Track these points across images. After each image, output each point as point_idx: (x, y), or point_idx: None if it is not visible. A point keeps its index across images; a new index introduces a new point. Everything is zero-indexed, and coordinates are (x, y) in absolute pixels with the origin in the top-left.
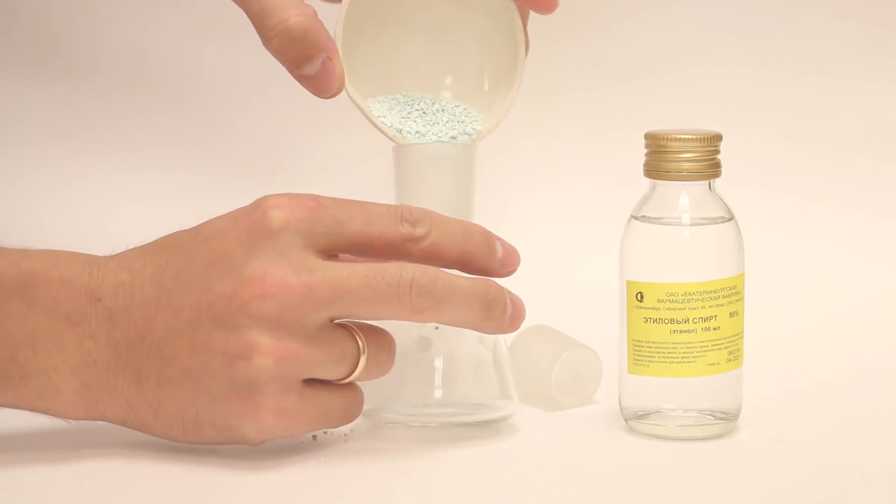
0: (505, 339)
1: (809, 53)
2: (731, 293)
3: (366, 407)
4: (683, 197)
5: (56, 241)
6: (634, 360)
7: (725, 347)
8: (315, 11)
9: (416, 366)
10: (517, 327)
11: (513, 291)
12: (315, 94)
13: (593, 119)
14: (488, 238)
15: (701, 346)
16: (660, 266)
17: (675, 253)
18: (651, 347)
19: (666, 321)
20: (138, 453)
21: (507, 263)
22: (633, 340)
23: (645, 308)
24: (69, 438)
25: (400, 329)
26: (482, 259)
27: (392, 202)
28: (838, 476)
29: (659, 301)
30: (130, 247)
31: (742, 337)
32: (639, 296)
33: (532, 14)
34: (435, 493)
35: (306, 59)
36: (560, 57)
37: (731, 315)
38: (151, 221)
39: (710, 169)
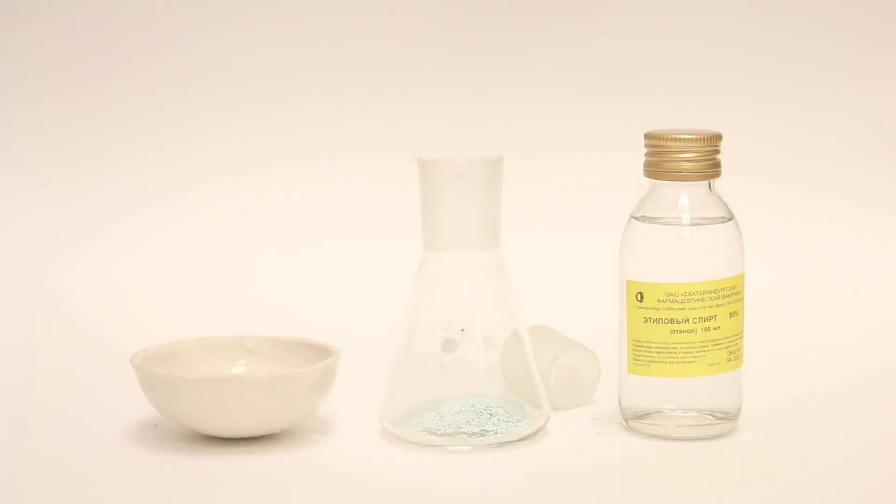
0: (531, 344)
1: (810, 54)
2: (731, 293)
3: (395, 415)
4: (683, 197)
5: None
6: (634, 359)
7: (725, 347)
8: None
9: (441, 367)
10: None
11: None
12: None
13: (594, 119)
14: None
15: (701, 346)
16: (660, 266)
17: (675, 253)
18: (651, 347)
19: (666, 321)
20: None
21: None
22: (634, 340)
23: (645, 308)
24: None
25: (425, 331)
26: None
27: (417, 215)
28: (838, 476)
29: (659, 301)
30: None
31: (742, 337)
32: (639, 296)
33: (532, 13)
34: (434, 494)
35: None
36: (560, 58)
37: (731, 315)
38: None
39: (710, 169)
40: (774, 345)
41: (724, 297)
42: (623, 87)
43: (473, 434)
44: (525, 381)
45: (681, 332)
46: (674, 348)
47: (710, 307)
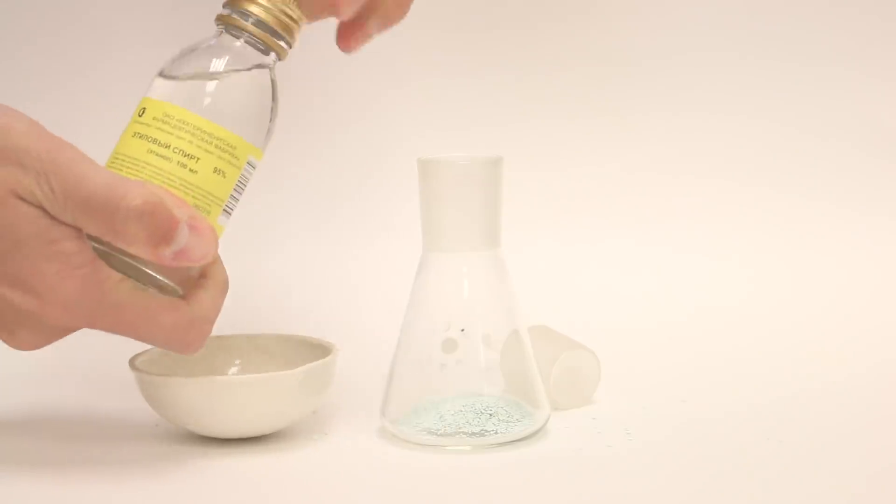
0: (530, 344)
1: (810, 53)
2: (226, 149)
3: (395, 415)
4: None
5: None
6: (109, 165)
7: (192, 196)
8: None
9: (441, 367)
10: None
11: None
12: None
13: (595, 119)
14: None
15: (168, 178)
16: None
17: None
18: (125, 161)
19: (149, 139)
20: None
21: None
22: (116, 152)
23: (140, 123)
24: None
25: (425, 331)
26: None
27: (417, 214)
28: (838, 476)
29: (154, 119)
30: None
31: (220, 206)
32: (141, 111)
33: (532, 13)
34: (434, 494)
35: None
36: (561, 58)
37: (215, 170)
38: None
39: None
40: (775, 346)
41: (216, 147)
42: (624, 88)
43: (473, 434)
44: (525, 381)
45: (156, 154)
46: (143, 167)
47: (196, 146)
